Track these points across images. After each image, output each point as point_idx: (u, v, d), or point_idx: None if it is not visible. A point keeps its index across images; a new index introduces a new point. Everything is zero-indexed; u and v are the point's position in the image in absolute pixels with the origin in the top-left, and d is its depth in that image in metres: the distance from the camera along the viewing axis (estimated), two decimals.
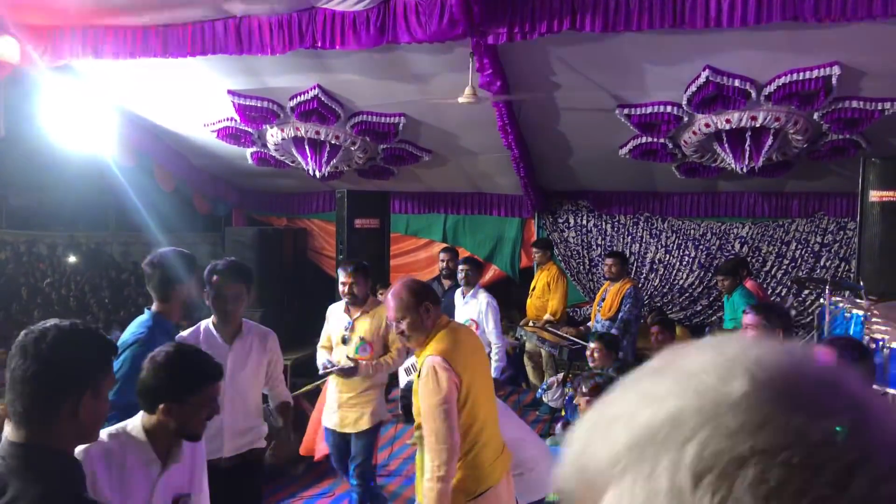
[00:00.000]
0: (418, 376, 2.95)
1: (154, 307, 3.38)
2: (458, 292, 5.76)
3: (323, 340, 4.79)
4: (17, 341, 1.49)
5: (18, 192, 7.85)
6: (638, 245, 9.15)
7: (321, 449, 5.26)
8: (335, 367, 4.46)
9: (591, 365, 5.41)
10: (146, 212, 9.28)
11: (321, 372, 4.61)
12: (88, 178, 8.39)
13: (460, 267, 5.68)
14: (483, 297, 5.53)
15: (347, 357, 4.48)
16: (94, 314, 9.67)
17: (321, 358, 4.66)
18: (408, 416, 7.06)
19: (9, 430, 1.48)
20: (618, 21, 5.09)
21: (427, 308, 2.97)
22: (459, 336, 3.04)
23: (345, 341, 4.56)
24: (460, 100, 5.65)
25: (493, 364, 5.39)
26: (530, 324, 7.05)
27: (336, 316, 4.71)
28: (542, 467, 3.66)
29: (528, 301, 7.45)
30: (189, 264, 3.47)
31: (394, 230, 9.14)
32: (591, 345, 5.27)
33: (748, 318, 3.56)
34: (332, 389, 4.65)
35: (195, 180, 9.62)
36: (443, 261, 6.55)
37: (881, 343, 4.20)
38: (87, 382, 1.51)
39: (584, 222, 9.33)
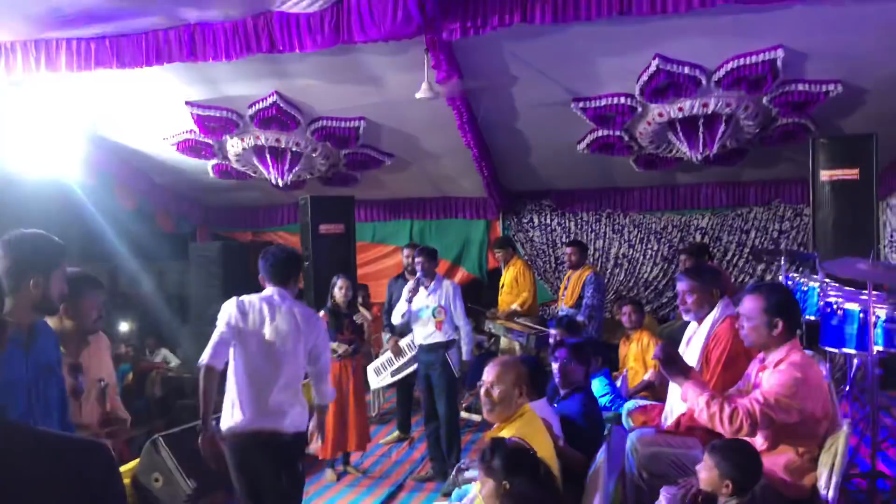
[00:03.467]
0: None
1: None
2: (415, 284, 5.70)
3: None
4: None
5: None
6: (602, 241, 9.28)
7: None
8: None
9: None
10: (112, 239, 9.16)
11: None
12: (48, 203, 8.25)
13: (416, 259, 5.67)
14: (447, 284, 5.56)
15: None
16: None
17: None
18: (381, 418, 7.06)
19: None
20: (566, 12, 5.17)
21: (521, 392, 3.12)
22: (538, 425, 3.16)
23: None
24: (418, 95, 5.71)
25: (464, 347, 5.42)
26: (498, 316, 7.10)
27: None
28: None
29: (500, 298, 7.50)
30: (57, 252, 2.57)
31: (360, 238, 9.15)
32: (552, 331, 5.33)
33: (681, 285, 3.59)
34: None
35: (158, 198, 9.56)
36: (407, 257, 6.56)
37: (835, 306, 4.33)
38: None
39: (549, 221, 9.44)
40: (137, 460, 4.92)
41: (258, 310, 3.56)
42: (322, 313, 5.62)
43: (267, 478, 3.47)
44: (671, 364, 3.00)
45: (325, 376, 3.76)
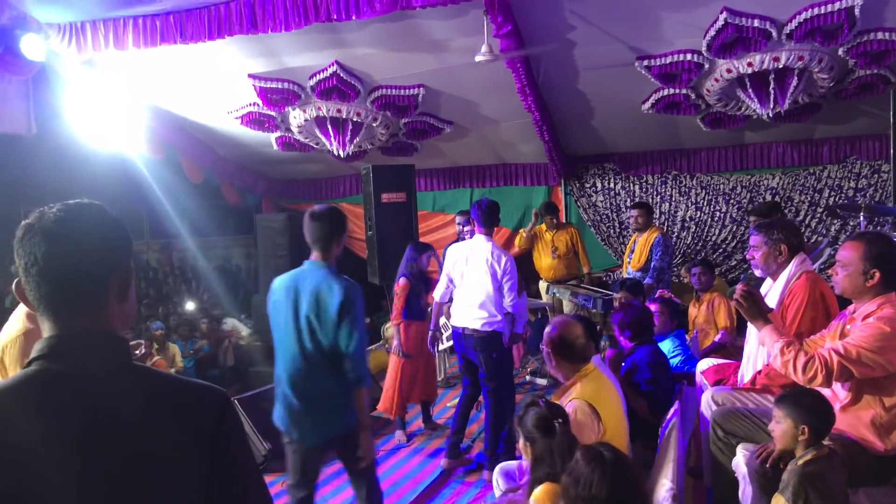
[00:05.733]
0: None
1: (315, 257, 3.37)
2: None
3: None
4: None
5: (53, 198, 7.93)
6: (668, 204, 9.08)
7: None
8: None
9: None
10: (178, 215, 9.40)
11: None
12: (117, 179, 8.52)
13: (465, 228, 5.87)
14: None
15: None
16: (138, 310, 9.88)
17: None
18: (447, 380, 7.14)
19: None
20: None
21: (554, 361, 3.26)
22: (603, 383, 3.15)
23: None
24: (477, 58, 5.66)
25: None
26: (572, 284, 7.14)
27: None
28: None
29: (550, 262, 7.52)
30: (344, 220, 3.47)
31: (421, 207, 9.17)
32: (618, 294, 5.28)
33: (751, 240, 3.52)
34: None
35: (223, 171, 9.75)
36: (459, 224, 6.60)
37: None
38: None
39: (612, 185, 9.29)
40: None
41: (463, 253, 4.92)
42: (404, 280, 5.61)
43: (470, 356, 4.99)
44: (752, 304, 2.89)
45: (511, 293, 4.73)
